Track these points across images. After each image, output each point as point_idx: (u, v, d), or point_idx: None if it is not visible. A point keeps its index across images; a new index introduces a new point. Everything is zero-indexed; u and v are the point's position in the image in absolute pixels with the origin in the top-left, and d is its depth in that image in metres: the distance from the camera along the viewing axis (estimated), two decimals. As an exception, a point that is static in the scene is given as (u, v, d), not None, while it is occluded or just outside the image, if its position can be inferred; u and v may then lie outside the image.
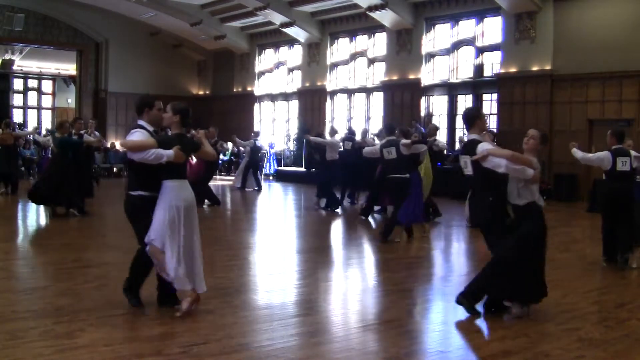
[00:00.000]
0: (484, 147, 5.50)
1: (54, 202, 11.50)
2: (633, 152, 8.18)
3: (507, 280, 5.40)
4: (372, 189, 12.74)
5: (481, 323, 5.60)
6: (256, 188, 18.42)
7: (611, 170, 8.05)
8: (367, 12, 20.05)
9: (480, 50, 18.90)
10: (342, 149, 14.44)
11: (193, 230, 5.37)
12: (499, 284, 5.47)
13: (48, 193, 11.28)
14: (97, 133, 14.23)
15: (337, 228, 12.07)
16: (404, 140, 9.57)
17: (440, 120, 19.88)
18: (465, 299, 5.57)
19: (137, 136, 5.38)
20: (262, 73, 26.75)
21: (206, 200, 13.58)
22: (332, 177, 13.97)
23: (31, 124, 29.35)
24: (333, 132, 14.70)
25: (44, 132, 16.19)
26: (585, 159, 8.52)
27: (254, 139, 18.87)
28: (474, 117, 5.79)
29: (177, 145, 5.27)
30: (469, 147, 5.65)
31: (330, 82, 23.47)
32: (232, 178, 20.13)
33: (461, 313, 5.92)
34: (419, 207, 9.87)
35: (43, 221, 11.65)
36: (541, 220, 5.52)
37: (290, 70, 25.46)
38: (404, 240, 9.79)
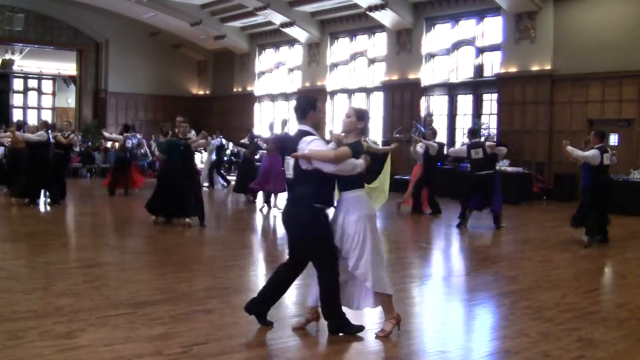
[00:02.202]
0: None
1: (169, 214, 10.87)
2: (609, 150, 9.92)
3: None
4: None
5: (481, 323, 5.61)
6: (225, 184, 18.93)
7: (599, 165, 9.60)
8: (367, 12, 20.05)
9: (480, 50, 18.90)
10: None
11: (378, 240, 5.04)
12: None
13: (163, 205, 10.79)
14: (76, 137, 14.49)
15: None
16: (489, 142, 11.42)
17: (440, 120, 19.89)
18: None
19: (320, 144, 4.85)
20: (262, 73, 26.75)
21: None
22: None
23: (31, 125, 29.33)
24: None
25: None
26: (583, 156, 9.82)
27: (219, 136, 18.97)
28: None
29: (361, 153, 4.91)
30: None
31: (330, 82, 23.47)
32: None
33: (461, 313, 5.93)
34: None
35: (43, 221, 11.65)
36: None
37: (290, 70, 25.45)
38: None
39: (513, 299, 6.29)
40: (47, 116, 31.32)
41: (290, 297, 6.29)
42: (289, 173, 5.02)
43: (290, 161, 4.98)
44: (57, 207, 13.06)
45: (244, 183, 14.57)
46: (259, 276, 7.56)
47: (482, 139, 12.73)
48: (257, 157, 16.50)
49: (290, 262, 5.18)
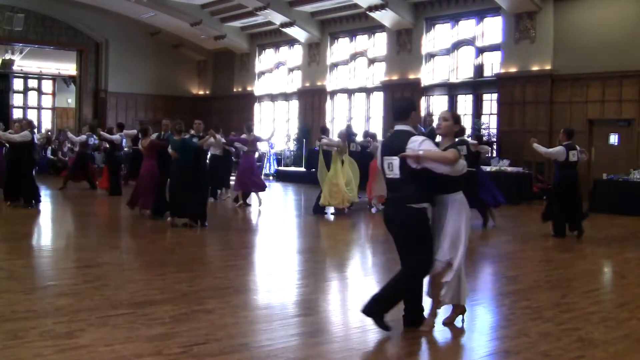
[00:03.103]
0: None
1: (174, 212, 10.66)
2: (577, 147, 10.32)
3: None
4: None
5: (481, 323, 5.61)
6: None
7: (565, 161, 10.05)
8: (367, 12, 20.06)
9: (480, 50, 18.91)
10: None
11: (467, 243, 5.10)
12: None
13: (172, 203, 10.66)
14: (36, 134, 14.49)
15: (336, 228, 12.06)
16: (472, 141, 11.51)
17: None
18: None
19: (431, 145, 4.84)
20: (262, 73, 26.76)
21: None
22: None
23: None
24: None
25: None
26: (547, 152, 10.49)
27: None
28: None
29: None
30: None
31: (330, 82, 23.47)
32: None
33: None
34: (497, 192, 11.60)
35: (42, 221, 11.65)
36: None
37: (290, 70, 25.46)
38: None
39: (513, 299, 6.30)
40: (47, 116, 31.38)
41: (290, 297, 6.29)
42: (394, 173, 4.95)
43: (394, 161, 4.90)
44: (34, 209, 12.65)
45: (223, 179, 15.12)
46: (259, 276, 7.57)
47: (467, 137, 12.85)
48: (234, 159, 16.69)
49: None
